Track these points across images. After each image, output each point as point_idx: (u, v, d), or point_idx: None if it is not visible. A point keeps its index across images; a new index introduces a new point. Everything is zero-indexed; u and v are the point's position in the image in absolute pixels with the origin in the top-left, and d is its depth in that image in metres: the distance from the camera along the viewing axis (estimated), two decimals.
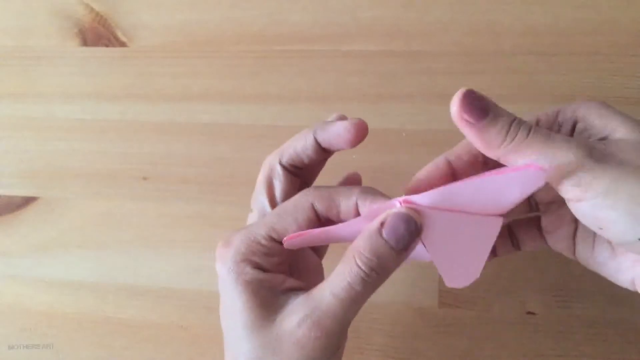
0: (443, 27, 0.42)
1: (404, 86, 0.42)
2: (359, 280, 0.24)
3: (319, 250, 0.33)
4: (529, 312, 0.39)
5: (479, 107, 0.24)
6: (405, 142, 0.42)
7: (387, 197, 0.26)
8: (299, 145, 0.28)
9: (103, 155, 0.45)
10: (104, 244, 0.44)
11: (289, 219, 0.27)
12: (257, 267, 0.27)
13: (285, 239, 0.27)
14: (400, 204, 0.25)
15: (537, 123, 0.28)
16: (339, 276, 0.25)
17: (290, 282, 0.27)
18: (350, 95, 0.43)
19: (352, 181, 0.33)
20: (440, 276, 0.28)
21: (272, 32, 0.44)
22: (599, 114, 0.26)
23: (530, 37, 0.41)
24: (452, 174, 0.28)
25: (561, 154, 0.23)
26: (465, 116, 0.24)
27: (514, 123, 0.24)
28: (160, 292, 0.43)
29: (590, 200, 0.23)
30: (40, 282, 0.44)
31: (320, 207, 0.27)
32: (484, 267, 0.26)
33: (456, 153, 0.28)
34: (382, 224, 0.25)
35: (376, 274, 0.25)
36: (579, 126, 0.27)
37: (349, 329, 0.27)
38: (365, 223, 0.25)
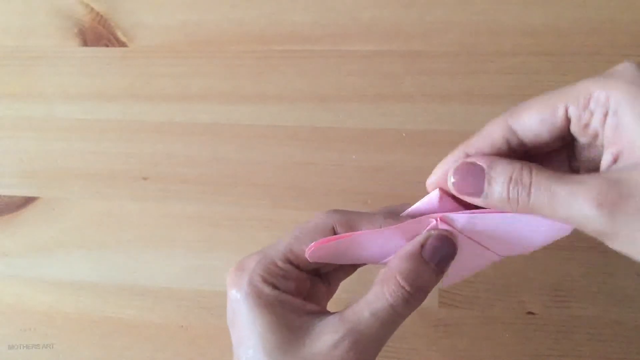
0: (443, 27, 0.42)
1: (404, 86, 0.42)
2: (402, 301, 0.24)
3: (333, 278, 0.30)
4: (529, 312, 0.39)
5: (474, 180, 0.23)
6: (405, 142, 0.42)
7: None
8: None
9: (103, 155, 0.45)
10: (104, 244, 0.44)
11: (307, 241, 0.26)
12: (276, 289, 0.26)
13: (309, 247, 0.26)
14: (436, 221, 0.25)
15: (567, 112, 0.23)
16: (379, 297, 0.24)
17: (311, 305, 0.26)
18: (350, 95, 0.43)
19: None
20: None
21: (272, 32, 0.44)
22: (634, 114, 0.21)
23: (530, 37, 0.41)
24: None
25: (571, 212, 0.21)
26: (465, 191, 0.24)
27: (511, 186, 0.23)
28: (160, 292, 0.43)
29: (617, 244, 0.22)
30: (40, 282, 0.44)
31: (341, 231, 0.26)
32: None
33: (476, 147, 0.25)
34: (422, 245, 0.24)
35: (418, 295, 0.25)
36: (610, 122, 0.22)
37: None
38: (399, 237, 0.25)
